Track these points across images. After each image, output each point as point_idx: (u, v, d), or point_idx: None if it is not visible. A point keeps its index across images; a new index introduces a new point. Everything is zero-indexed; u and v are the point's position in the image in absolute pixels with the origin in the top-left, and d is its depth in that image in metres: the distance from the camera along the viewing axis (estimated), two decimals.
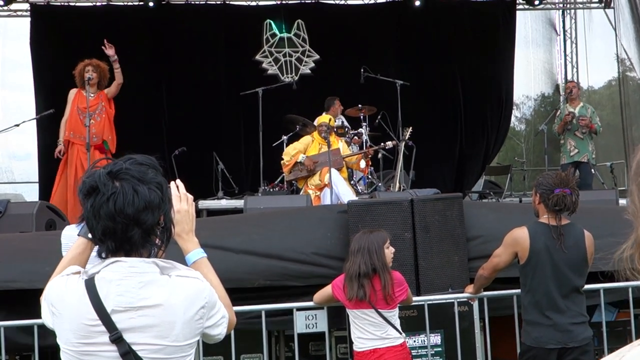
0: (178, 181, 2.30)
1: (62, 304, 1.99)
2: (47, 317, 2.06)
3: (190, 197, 2.32)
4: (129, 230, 1.95)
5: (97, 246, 2.04)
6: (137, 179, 1.97)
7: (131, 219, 1.94)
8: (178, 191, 2.27)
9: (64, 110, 8.18)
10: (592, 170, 9.52)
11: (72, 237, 3.69)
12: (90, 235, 2.09)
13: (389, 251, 4.32)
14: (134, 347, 1.93)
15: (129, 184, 1.95)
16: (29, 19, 11.71)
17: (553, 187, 3.96)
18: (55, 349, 2.04)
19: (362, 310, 4.23)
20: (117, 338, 1.92)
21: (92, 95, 7.89)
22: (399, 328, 4.28)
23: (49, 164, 10.96)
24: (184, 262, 2.21)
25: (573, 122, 9.36)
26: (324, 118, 8.60)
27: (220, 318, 2.12)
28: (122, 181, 1.95)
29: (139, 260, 1.98)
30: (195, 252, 2.29)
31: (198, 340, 2.09)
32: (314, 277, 5.27)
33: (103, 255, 2.01)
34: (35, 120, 10.09)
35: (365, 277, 4.18)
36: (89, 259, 2.33)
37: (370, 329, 4.23)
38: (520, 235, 4.03)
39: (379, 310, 4.19)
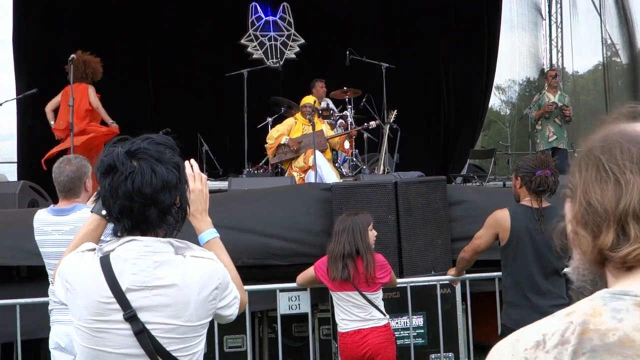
0: (192, 160, 2.30)
1: (76, 280, 2.01)
2: (61, 293, 2.08)
3: (204, 176, 2.34)
4: (146, 209, 1.96)
5: (112, 224, 2.05)
6: (155, 159, 1.97)
7: (149, 198, 1.95)
8: (192, 170, 2.28)
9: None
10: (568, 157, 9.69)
11: (43, 220, 3.67)
12: (104, 212, 2.11)
13: (372, 234, 4.34)
14: (148, 326, 1.95)
15: (147, 163, 1.96)
16: None
17: (534, 169, 4.00)
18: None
19: (346, 292, 4.25)
20: (131, 316, 1.93)
21: None
22: (383, 310, 4.31)
23: (28, 145, 10.88)
24: (196, 241, 2.22)
25: (554, 111, 9.47)
26: (308, 99, 8.48)
27: (232, 299, 2.13)
28: (140, 160, 1.96)
29: (154, 240, 1.99)
30: (208, 232, 2.31)
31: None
32: (297, 255, 5.28)
33: (119, 233, 2.02)
34: (15, 101, 9.95)
35: (349, 257, 4.21)
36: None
37: (354, 311, 4.25)
38: (502, 216, 4.06)
39: (362, 292, 4.22)
